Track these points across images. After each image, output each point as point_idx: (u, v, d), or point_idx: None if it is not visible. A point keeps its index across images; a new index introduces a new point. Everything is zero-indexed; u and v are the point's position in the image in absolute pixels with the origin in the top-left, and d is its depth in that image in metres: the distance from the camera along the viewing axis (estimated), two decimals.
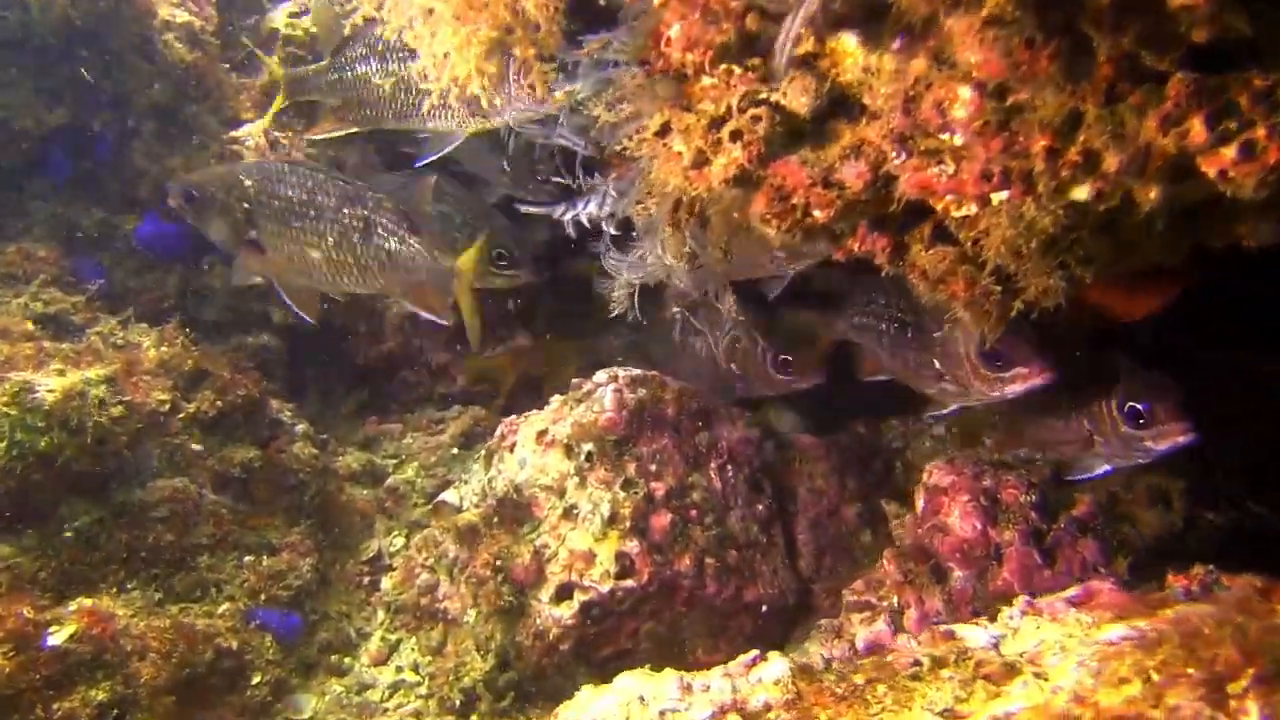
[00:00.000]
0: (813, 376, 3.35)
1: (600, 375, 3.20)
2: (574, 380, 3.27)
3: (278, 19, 4.01)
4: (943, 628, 1.91)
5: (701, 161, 1.85)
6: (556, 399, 3.27)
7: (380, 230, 2.99)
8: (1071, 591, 1.91)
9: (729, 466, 3.24)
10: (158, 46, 3.71)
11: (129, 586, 2.95)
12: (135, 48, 3.69)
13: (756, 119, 1.76)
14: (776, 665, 1.99)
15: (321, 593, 3.33)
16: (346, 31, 2.92)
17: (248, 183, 2.98)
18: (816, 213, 1.80)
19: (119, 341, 3.34)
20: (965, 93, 1.54)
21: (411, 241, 2.99)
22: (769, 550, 3.24)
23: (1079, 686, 1.52)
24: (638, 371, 3.23)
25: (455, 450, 3.94)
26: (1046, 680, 1.62)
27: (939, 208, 1.73)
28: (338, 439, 3.94)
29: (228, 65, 3.99)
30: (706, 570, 3.02)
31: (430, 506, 3.42)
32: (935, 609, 2.45)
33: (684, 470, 3.15)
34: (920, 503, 2.56)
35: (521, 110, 2.53)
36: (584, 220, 2.44)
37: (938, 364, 2.72)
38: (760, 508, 3.26)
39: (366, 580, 3.45)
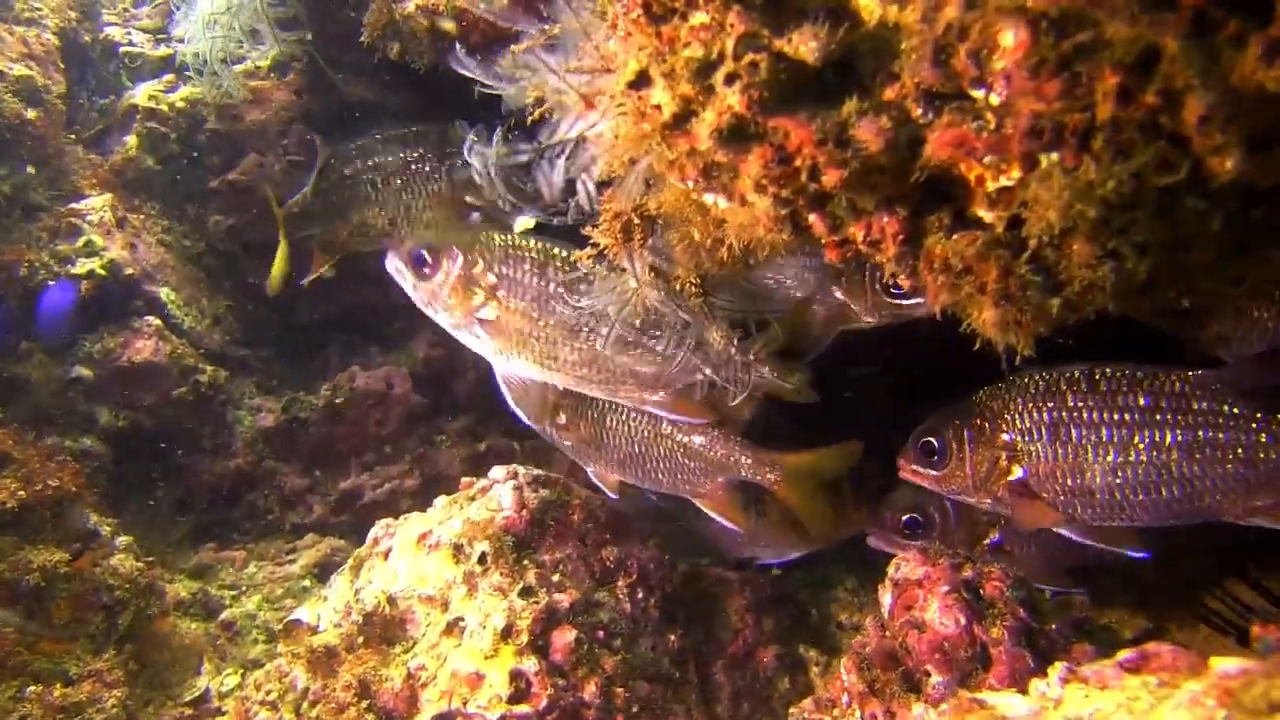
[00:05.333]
0: None
1: (497, 471, 2.76)
2: (463, 479, 2.81)
3: (139, 95, 3.62)
4: (968, 695, 1.50)
5: (687, 114, 1.55)
6: (443, 499, 2.79)
7: None
8: (1123, 655, 1.54)
9: (639, 589, 2.78)
10: None
11: None
12: None
13: (755, 65, 1.48)
14: None
15: None
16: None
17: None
18: (826, 176, 1.50)
19: None
20: (1009, 37, 1.30)
21: None
22: (681, 688, 2.76)
23: None
24: (539, 471, 2.80)
25: (307, 582, 3.34)
26: None
27: (972, 177, 1.45)
28: (165, 565, 3.29)
29: (73, 138, 3.57)
30: (615, 701, 2.51)
31: (280, 629, 2.81)
32: None
33: (590, 586, 2.69)
34: (887, 599, 2.17)
35: None
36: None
37: None
38: (673, 639, 2.80)
39: None
